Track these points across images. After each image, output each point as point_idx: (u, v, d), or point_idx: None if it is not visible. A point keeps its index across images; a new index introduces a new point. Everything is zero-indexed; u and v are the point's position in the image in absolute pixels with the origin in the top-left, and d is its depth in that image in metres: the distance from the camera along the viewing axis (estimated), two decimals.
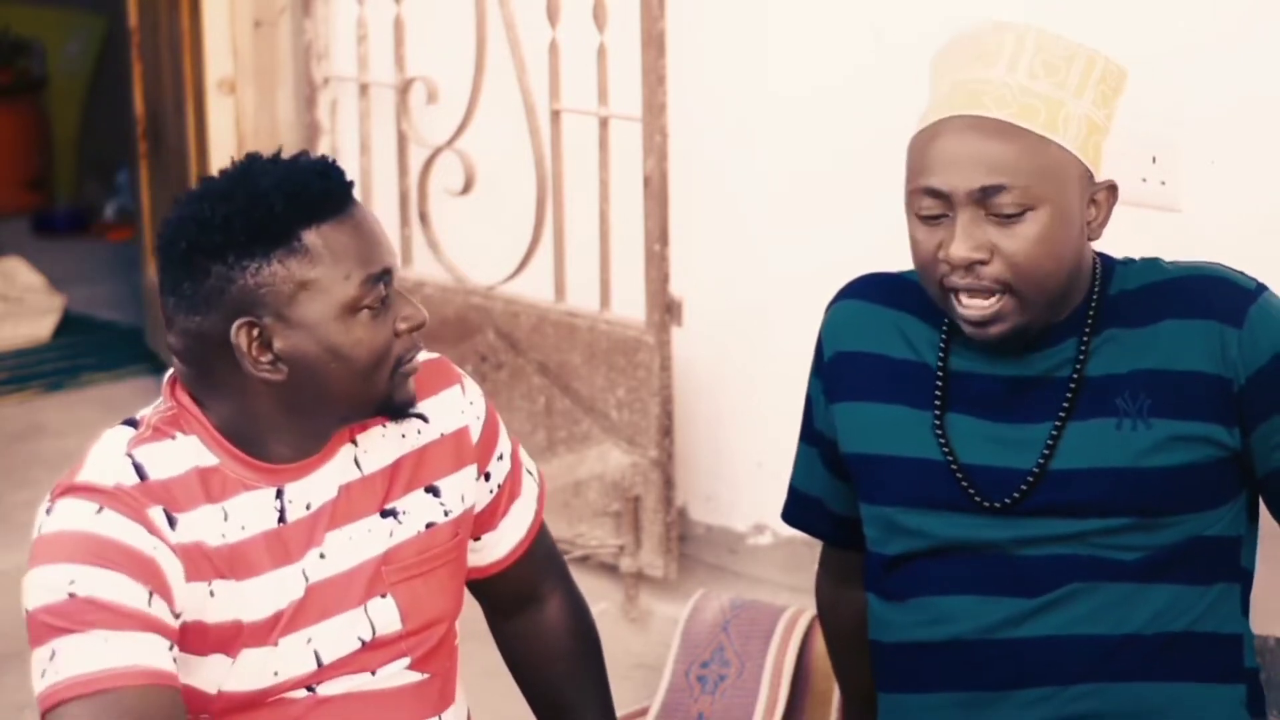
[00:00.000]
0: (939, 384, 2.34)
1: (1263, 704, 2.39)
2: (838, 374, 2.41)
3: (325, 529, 2.16)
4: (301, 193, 2.08)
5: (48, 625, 2.02)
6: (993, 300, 2.24)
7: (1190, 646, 2.29)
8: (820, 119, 3.64)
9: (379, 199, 4.36)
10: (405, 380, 2.15)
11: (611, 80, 3.82)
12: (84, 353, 5.37)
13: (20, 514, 3.54)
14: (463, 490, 2.26)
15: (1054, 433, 2.28)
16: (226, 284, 2.06)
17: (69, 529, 2.05)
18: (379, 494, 2.20)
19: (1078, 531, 2.27)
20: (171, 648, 2.05)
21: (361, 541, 2.18)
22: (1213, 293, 2.31)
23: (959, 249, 2.22)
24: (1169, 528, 2.27)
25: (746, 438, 3.85)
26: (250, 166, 2.14)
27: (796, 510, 2.55)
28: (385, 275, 2.11)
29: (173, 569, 2.07)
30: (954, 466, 2.31)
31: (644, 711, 3.32)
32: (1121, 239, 3.24)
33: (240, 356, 2.08)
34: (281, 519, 2.15)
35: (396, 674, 2.22)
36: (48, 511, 2.08)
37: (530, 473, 2.40)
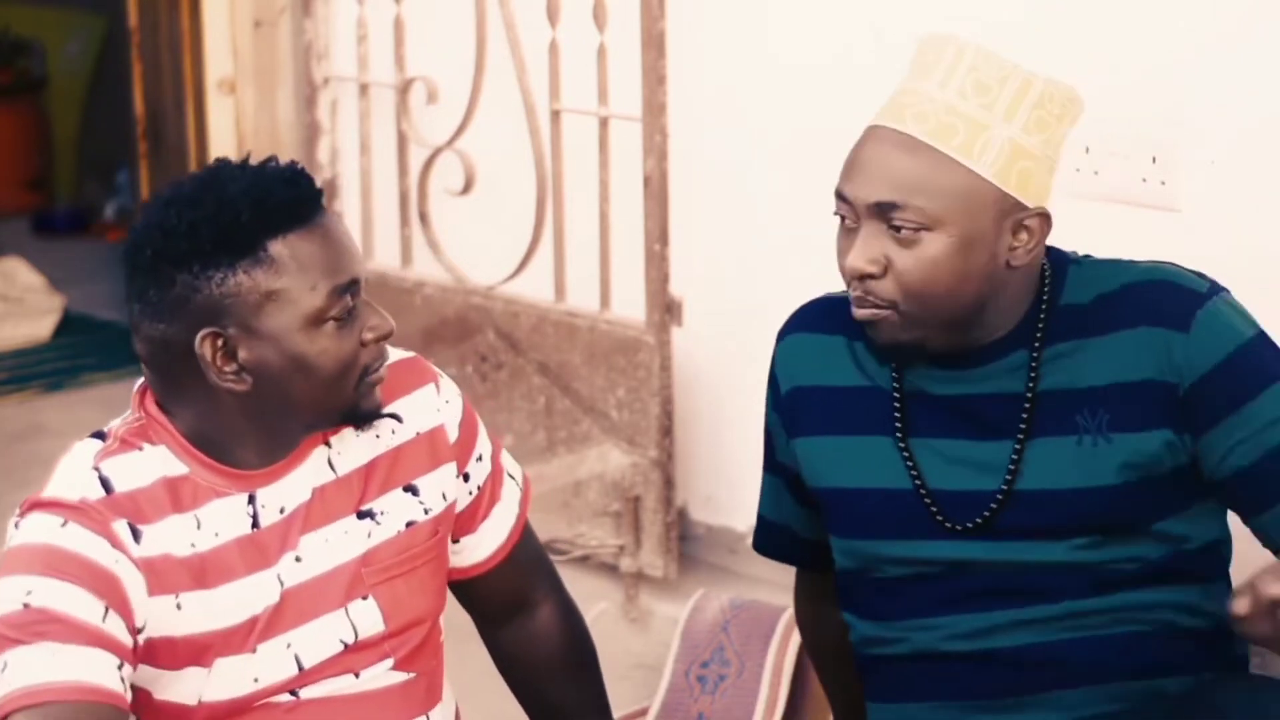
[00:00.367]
0: (897, 407, 2.32)
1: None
2: (795, 410, 2.40)
3: (300, 532, 2.16)
4: (268, 201, 2.06)
5: (3, 636, 2.02)
6: (878, 313, 2.22)
7: (1180, 647, 2.28)
8: (820, 118, 3.63)
9: (379, 199, 4.36)
10: (371, 389, 2.14)
11: (611, 80, 3.82)
12: (84, 353, 5.37)
13: None
14: (442, 488, 2.25)
15: (1015, 453, 2.26)
16: (192, 293, 2.05)
17: (31, 542, 2.06)
18: (354, 495, 2.19)
19: (1051, 548, 2.26)
20: (122, 666, 2.04)
21: (339, 543, 2.18)
22: (1161, 298, 2.26)
23: (852, 260, 2.21)
24: (1146, 536, 2.26)
25: (746, 438, 3.85)
26: (218, 173, 2.11)
27: (766, 539, 2.54)
28: (352, 286, 2.10)
29: (134, 583, 2.07)
30: (923, 492, 2.30)
31: (644, 711, 3.32)
32: (1121, 239, 3.24)
33: (205, 366, 2.07)
34: (255, 524, 2.14)
35: (381, 675, 2.21)
36: (15, 526, 2.09)
37: (513, 477, 2.38)
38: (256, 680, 2.15)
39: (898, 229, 2.18)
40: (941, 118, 2.18)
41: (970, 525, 2.28)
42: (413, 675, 2.24)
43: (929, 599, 2.32)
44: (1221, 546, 2.34)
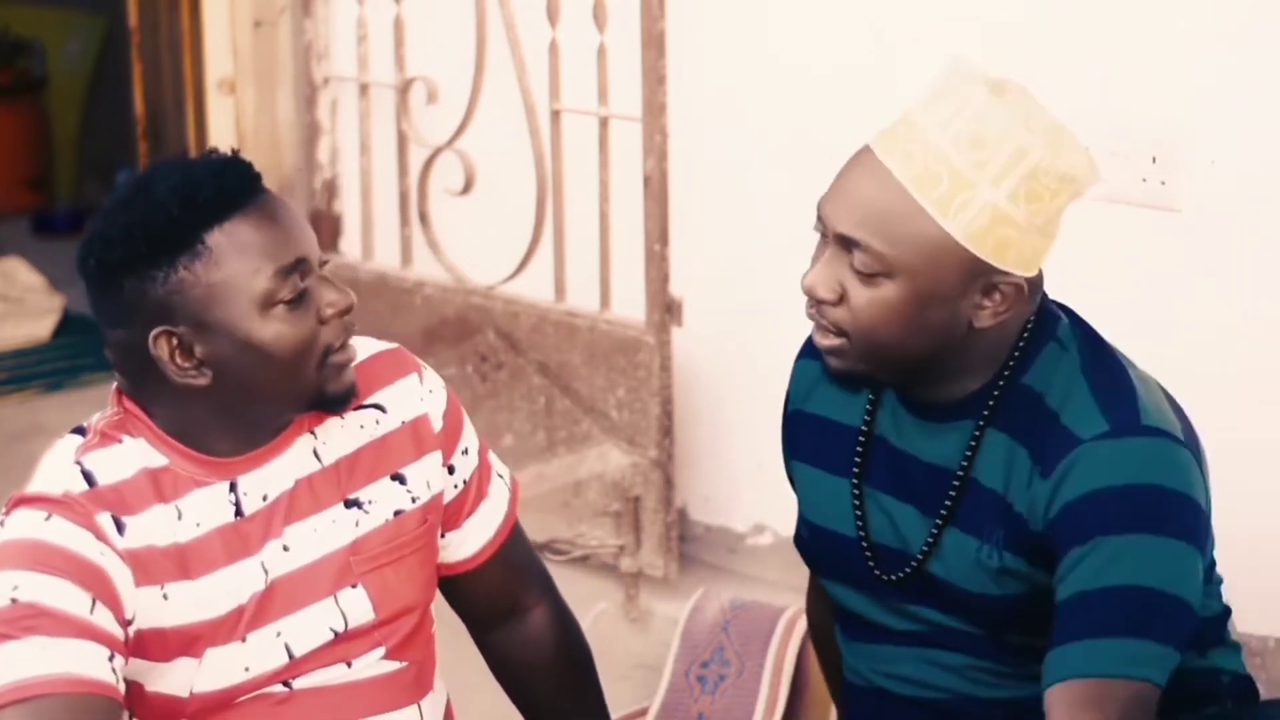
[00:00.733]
0: (859, 452, 2.29)
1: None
2: (794, 432, 2.40)
3: (284, 521, 2.16)
4: (196, 195, 2.05)
5: None
6: (831, 339, 2.18)
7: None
8: (820, 118, 3.64)
9: (379, 199, 4.36)
10: (339, 371, 2.12)
11: (611, 80, 3.82)
12: (84, 353, 5.36)
13: None
14: (428, 477, 2.25)
15: (932, 535, 2.23)
16: (139, 296, 2.06)
17: (16, 538, 2.06)
18: (341, 484, 2.19)
19: (963, 621, 2.25)
20: (113, 657, 2.04)
21: (326, 533, 2.18)
22: (1054, 436, 2.15)
23: (810, 280, 2.17)
24: (1048, 628, 2.18)
25: (746, 438, 3.85)
26: (151, 174, 2.11)
27: (798, 532, 2.55)
28: (299, 265, 2.08)
29: (120, 575, 2.07)
30: (864, 541, 2.29)
31: (644, 711, 3.32)
32: (1122, 239, 3.24)
33: (162, 366, 2.07)
34: (238, 512, 2.14)
35: (372, 664, 2.21)
36: (0, 524, 2.09)
37: (501, 476, 2.38)
38: (247, 670, 2.15)
39: (857, 264, 2.12)
40: (930, 164, 2.09)
41: (897, 577, 2.27)
42: (404, 664, 2.24)
43: (879, 638, 2.32)
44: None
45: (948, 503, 2.22)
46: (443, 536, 2.32)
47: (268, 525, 2.15)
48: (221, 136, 4.57)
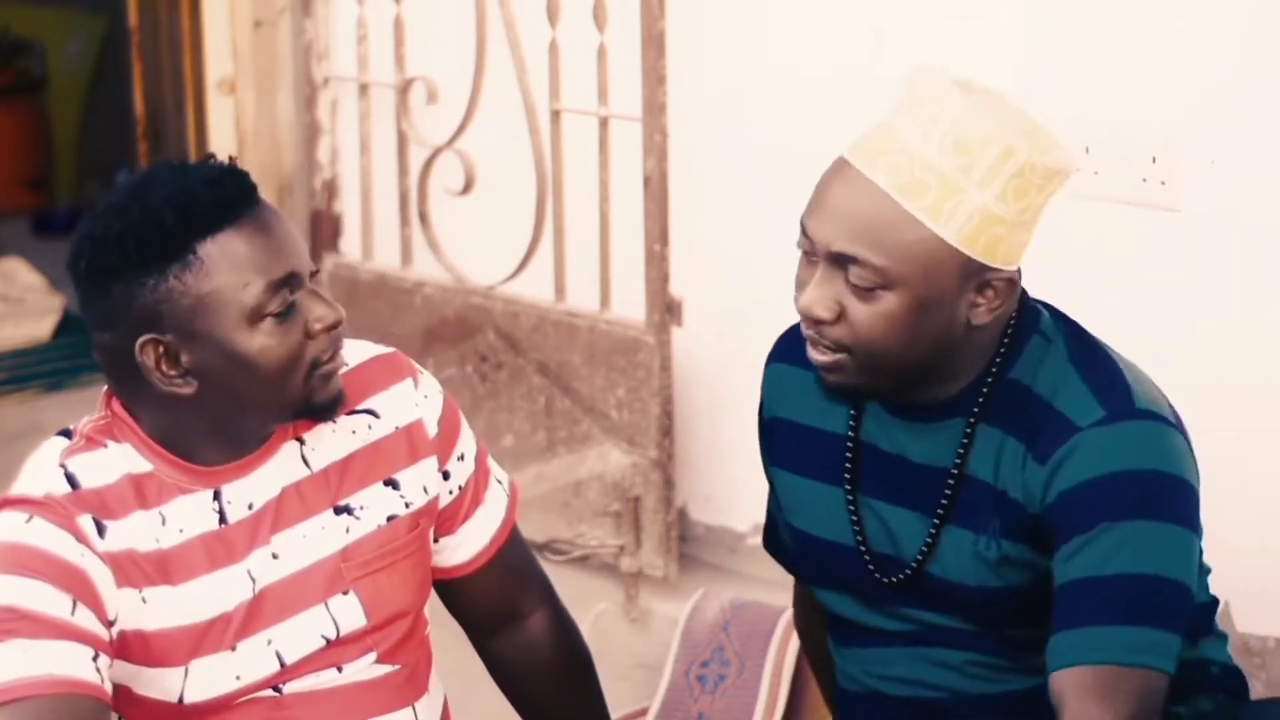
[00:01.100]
0: (849, 460, 2.29)
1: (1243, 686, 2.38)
2: (772, 438, 2.40)
3: (271, 528, 2.15)
4: (192, 205, 2.04)
5: None
6: (831, 355, 2.17)
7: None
8: (820, 119, 3.63)
9: (379, 199, 4.36)
10: (325, 381, 2.12)
11: (611, 80, 3.82)
12: (84, 353, 5.30)
13: None
14: (424, 482, 2.25)
15: (931, 535, 2.24)
16: (128, 301, 2.05)
17: None
18: (331, 490, 2.19)
19: (963, 620, 2.26)
20: (97, 657, 2.04)
21: (316, 539, 2.17)
22: (1049, 424, 2.17)
23: (806, 301, 2.15)
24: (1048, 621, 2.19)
25: (746, 438, 3.84)
26: (147, 179, 2.10)
27: (766, 537, 2.54)
28: (290, 280, 2.08)
29: (101, 576, 2.07)
30: (863, 549, 2.29)
31: (644, 711, 3.32)
32: (1122, 239, 3.24)
33: (147, 373, 2.07)
34: (222, 520, 2.14)
35: (365, 669, 2.21)
36: None
37: (500, 482, 2.37)
38: (239, 678, 2.15)
39: (851, 282, 2.12)
40: (916, 173, 2.09)
41: (896, 580, 2.27)
42: (397, 667, 2.24)
43: (874, 641, 2.32)
44: None
45: (944, 501, 2.22)
46: (437, 541, 2.31)
47: (254, 533, 2.15)
48: (221, 137, 4.57)
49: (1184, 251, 3.18)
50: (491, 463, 2.37)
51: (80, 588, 2.05)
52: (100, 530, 2.08)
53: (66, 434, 2.16)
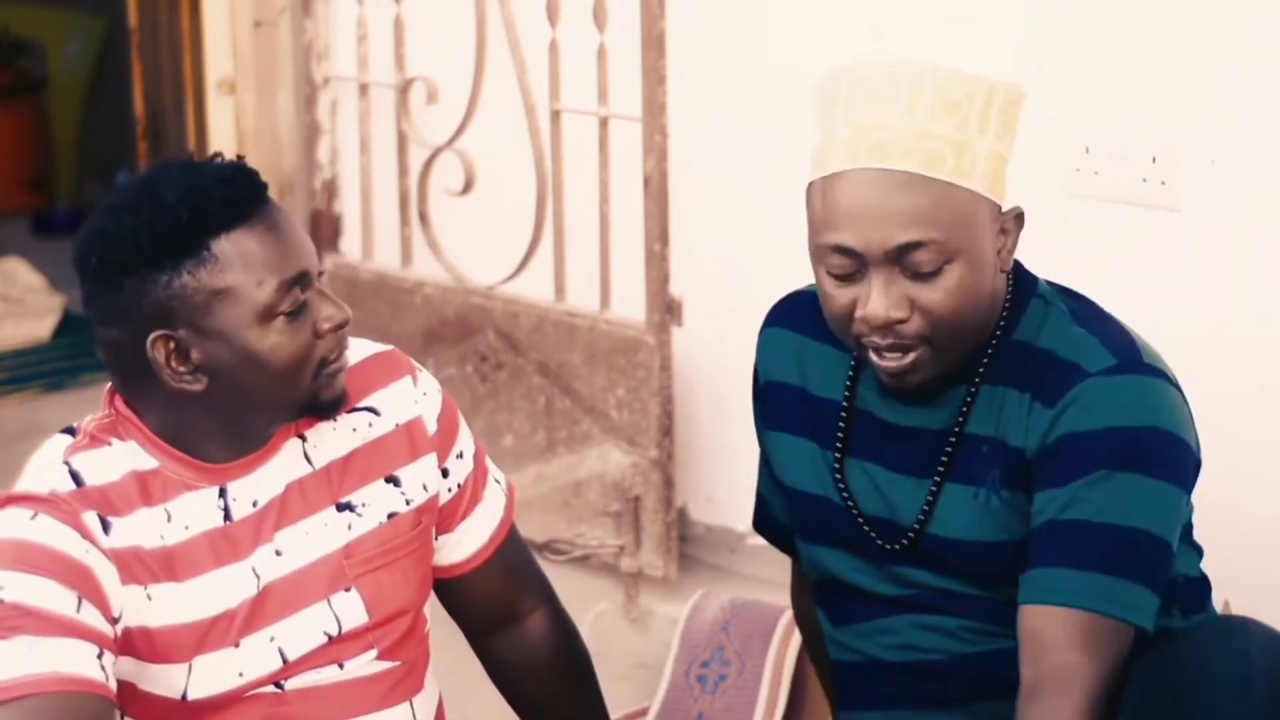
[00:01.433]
0: (841, 426, 2.32)
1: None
2: (767, 402, 2.42)
3: (275, 526, 2.16)
4: (206, 203, 2.06)
5: None
6: (911, 354, 2.19)
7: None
8: None
9: (379, 199, 4.36)
10: (332, 379, 2.13)
11: (611, 80, 3.82)
12: (84, 353, 5.36)
13: None
14: (424, 479, 2.26)
15: (931, 495, 2.27)
16: (139, 297, 2.06)
17: (2, 537, 2.06)
18: (333, 488, 2.20)
19: (965, 582, 2.28)
20: (101, 654, 2.04)
21: (319, 536, 2.18)
22: (1053, 372, 2.21)
23: (878, 309, 2.16)
24: None
25: (746, 438, 3.84)
26: (158, 176, 2.11)
27: (758, 516, 2.57)
28: (301, 279, 2.09)
29: (106, 573, 2.07)
30: (855, 512, 2.31)
31: (644, 711, 3.32)
32: (1121, 239, 3.24)
33: (157, 369, 2.07)
34: (227, 517, 2.15)
35: (365, 665, 2.22)
36: None
37: (498, 481, 2.38)
38: (241, 675, 2.16)
39: (917, 269, 2.15)
40: (926, 146, 2.14)
41: (897, 546, 2.30)
42: (397, 664, 2.25)
43: (869, 607, 2.34)
44: None
45: (944, 460, 2.25)
46: (436, 539, 2.32)
47: (258, 530, 2.15)
48: (221, 136, 4.57)
49: (1184, 251, 3.18)
50: (489, 462, 2.38)
51: (85, 584, 2.05)
52: (105, 527, 2.08)
53: (70, 431, 2.16)
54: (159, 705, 2.15)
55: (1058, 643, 2.12)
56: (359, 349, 2.25)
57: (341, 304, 2.13)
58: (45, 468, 2.12)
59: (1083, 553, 2.15)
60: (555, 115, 3.94)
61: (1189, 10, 3.12)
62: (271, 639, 2.16)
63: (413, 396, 2.26)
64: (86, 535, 2.07)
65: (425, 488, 2.26)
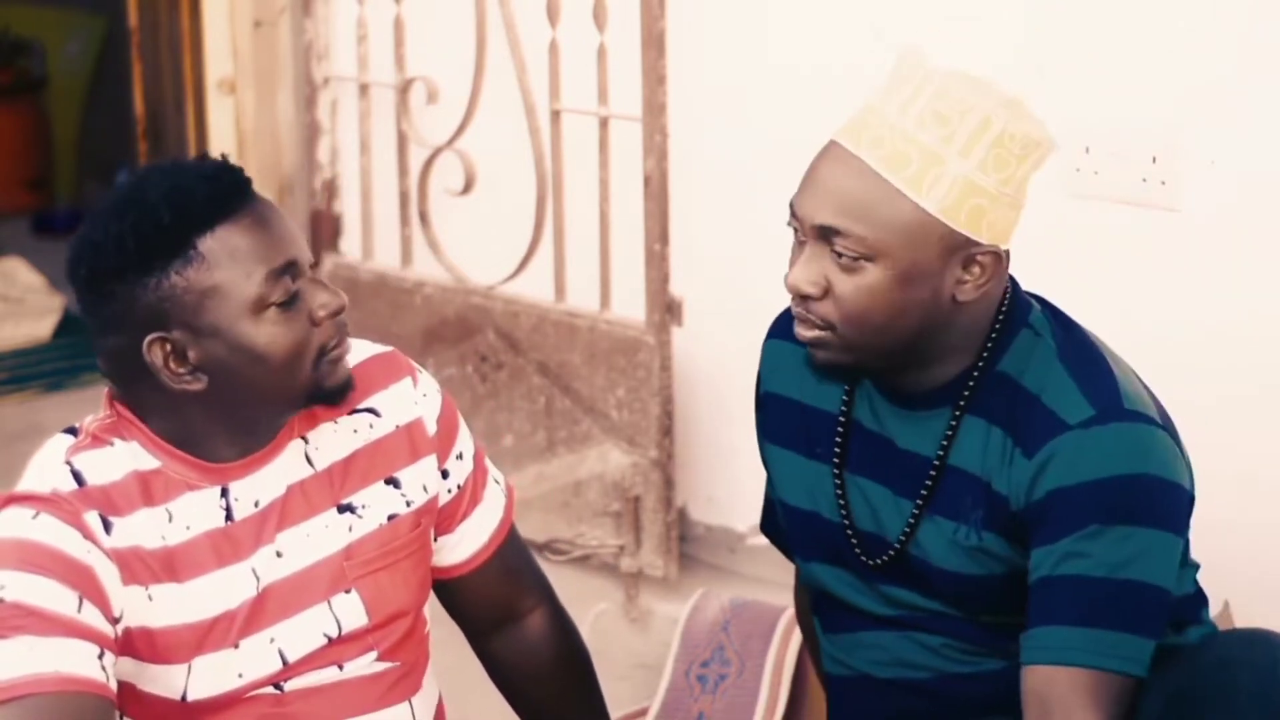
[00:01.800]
0: (839, 440, 2.32)
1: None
2: (767, 414, 2.42)
3: (277, 527, 2.16)
4: (189, 202, 2.06)
5: None
6: (816, 332, 2.20)
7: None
8: (820, 118, 3.63)
9: (379, 199, 4.36)
10: (334, 367, 2.13)
11: (611, 80, 3.82)
12: (84, 353, 5.36)
13: None
14: (424, 480, 2.26)
15: (913, 517, 2.26)
16: (131, 302, 2.06)
17: (4, 537, 2.06)
18: (334, 489, 2.20)
19: (943, 603, 2.28)
20: (102, 655, 2.04)
21: (320, 538, 2.18)
22: (1032, 417, 2.19)
23: (794, 278, 2.18)
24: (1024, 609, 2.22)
25: (746, 438, 3.84)
26: (141, 180, 2.11)
27: (764, 519, 2.57)
28: (290, 268, 2.09)
29: (107, 573, 2.07)
30: (848, 527, 2.31)
31: (644, 711, 3.32)
32: (1121, 239, 3.24)
33: (156, 372, 2.07)
34: (229, 517, 2.15)
35: (364, 666, 2.22)
36: None
37: (497, 482, 2.38)
38: (241, 676, 2.16)
39: (839, 254, 2.15)
40: (897, 145, 2.14)
41: (880, 561, 2.30)
42: (396, 665, 2.25)
43: (860, 622, 2.35)
44: None
45: (924, 490, 2.24)
46: (436, 540, 2.32)
47: (259, 531, 2.16)
48: (221, 136, 4.57)
49: (1184, 251, 3.18)
50: (489, 463, 2.38)
51: (86, 584, 2.05)
52: (107, 527, 2.08)
53: (72, 431, 2.16)
54: (159, 706, 2.15)
55: (1065, 704, 2.11)
56: (359, 350, 2.26)
57: (337, 291, 2.13)
58: (47, 467, 2.12)
59: (1082, 609, 2.14)
60: (555, 115, 3.94)
61: (1189, 10, 3.12)
62: (271, 640, 2.16)
63: (413, 398, 2.26)
64: (88, 535, 2.07)
65: (425, 489, 2.26)
